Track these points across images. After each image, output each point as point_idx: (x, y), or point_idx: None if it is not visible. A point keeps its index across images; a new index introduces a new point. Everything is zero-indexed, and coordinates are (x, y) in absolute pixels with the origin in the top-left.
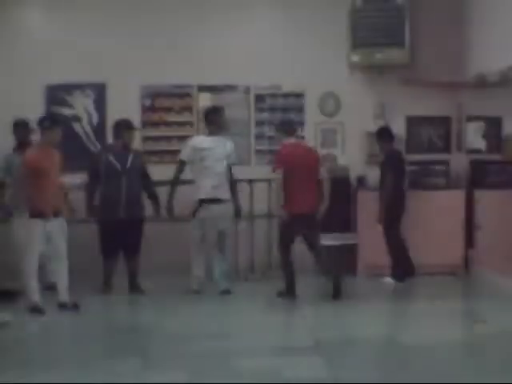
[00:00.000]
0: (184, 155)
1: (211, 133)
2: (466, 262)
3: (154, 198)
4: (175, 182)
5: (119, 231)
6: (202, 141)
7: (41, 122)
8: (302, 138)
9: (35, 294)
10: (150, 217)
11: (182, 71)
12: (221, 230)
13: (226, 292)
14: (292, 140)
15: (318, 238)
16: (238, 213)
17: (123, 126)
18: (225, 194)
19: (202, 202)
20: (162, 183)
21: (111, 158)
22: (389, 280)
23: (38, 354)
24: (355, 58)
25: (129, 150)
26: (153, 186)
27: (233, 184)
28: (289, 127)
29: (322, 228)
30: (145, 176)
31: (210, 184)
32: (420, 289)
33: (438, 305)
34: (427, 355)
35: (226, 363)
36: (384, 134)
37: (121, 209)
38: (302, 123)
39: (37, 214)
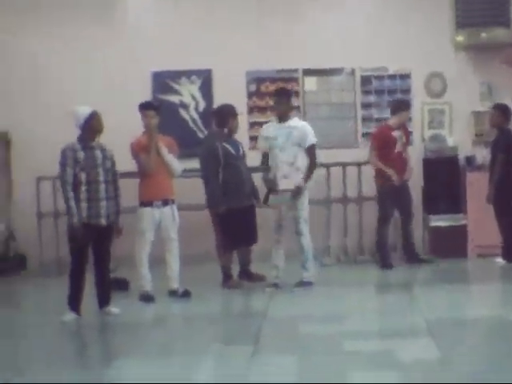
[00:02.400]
0: (261, 145)
1: (278, 118)
2: None
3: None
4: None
5: (237, 221)
6: (268, 129)
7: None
8: None
9: (146, 282)
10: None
11: (286, 56)
12: (292, 217)
13: (299, 284)
14: None
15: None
16: (294, 192)
17: (228, 113)
18: (292, 183)
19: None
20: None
21: (227, 144)
22: (500, 260)
23: (149, 341)
24: (460, 37)
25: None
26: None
27: (309, 167)
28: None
29: (431, 209)
30: None
31: (280, 175)
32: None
33: None
34: None
35: (336, 346)
36: (506, 110)
37: (244, 196)
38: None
39: (146, 202)
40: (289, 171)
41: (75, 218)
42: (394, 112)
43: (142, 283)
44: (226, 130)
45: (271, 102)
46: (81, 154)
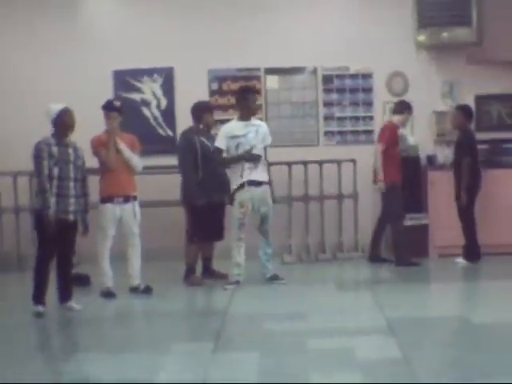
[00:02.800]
0: (220, 144)
1: (242, 117)
2: None
3: None
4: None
5: (210, 215)
6: (233, 128)
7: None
8: None
9: (108, 279)
10: None
11: (248, 54)
12: (262, 213)
13: (274, 278)
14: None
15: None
16: (273, 198)
17: (203, 109)
18: (263, 176)
19: (242, 185)
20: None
21: (204, 139)
22: (461, 261)
23: (109, 337)
24: (422, 37)
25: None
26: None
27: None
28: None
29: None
30: None
31: (247, 167)
32: (492, 268)
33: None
34: (500, 334)
35: (299, 344)
36: (467, 111)
37: (219, 191)
38: (370, 103)
39: (107, 198)
40: (261, 168)
41: (50, 210)
42: (399, 111)
43: (103, 280)
44: (201, 126)
45: (233, 101)
46: (55, 149)
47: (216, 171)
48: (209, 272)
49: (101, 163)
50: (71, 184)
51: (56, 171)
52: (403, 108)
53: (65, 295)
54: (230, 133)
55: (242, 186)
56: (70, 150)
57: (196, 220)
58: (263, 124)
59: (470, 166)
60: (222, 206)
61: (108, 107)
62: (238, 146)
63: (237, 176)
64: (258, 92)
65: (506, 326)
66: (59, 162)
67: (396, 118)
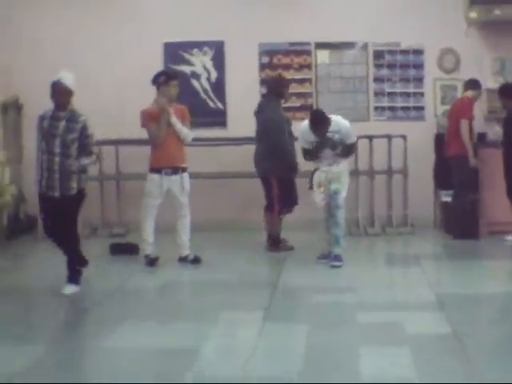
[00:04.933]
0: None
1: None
2: None
3: None
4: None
5: (293, 186)
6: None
7: (155, 78)
8: None
9: (147, 246)
10: None
11: (299, 29)
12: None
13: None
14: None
15: None
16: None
17: (286, 84)
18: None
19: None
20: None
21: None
22: (510, 238)
23: (157, 306)
24: (473, 14)
25: None
26: None
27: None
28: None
29: (443, 185)
30: None
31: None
32: None
33: None
34: None
35: (347, 317)
36: (506, 91)
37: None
38: (420, 80)
39: (154, 169)
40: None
41: (38, 186)
42: (473, 87)
43: (143, 247)
44: (282, 101)
45: (284, 75)
46: (45, 123)
47: (292, 145)
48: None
49: (150, 137)
50: (56, 159)
51: (43, 145)
52: (477, 84)
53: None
54: (307, 138)
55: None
56: (62, 124)
57: (287, 191)
58: (342, 126)
59: None
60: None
61: (168, 74)
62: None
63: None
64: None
65: None
66: (46, 136)
67: (470, 94)
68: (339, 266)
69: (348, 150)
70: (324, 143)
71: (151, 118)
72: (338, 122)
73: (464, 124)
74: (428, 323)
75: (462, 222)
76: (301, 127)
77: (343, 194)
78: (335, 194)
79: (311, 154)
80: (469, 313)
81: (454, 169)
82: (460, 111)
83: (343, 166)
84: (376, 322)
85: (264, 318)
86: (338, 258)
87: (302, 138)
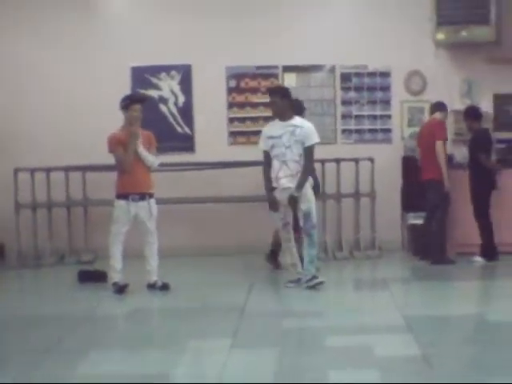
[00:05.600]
0: (261, 145)
1: (279, 117)
2: None
3: None
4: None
5: None
6: (271, 128)
7: (120, 102)
8: None
9: (115, 273)
10: None
11: (266, 52)
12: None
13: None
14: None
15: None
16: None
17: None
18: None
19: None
20: (247, 164)
21: None
22: (478, 259)
23: (125, 334)
24: (441, 35)
25: None
26: None
27: (304, 169)
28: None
29: (410, 207)
30: None
31: (282, 173)
32: (509, 267)
33: None
34: None
35: (316, 341)
36: (472, 113)
37: None
38: (388, 102)
39: (121, 195)
40: (296, 168)
41: None
42: (440, 109)
43: (112, 274)
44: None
45: (250, 98)
46: None
47: None
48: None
49: (118, 162)
50: None
51: None
52: (444, 106)
53: None
54: (268, 133)
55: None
56: None
57: None
58: (306, 124)
59: (483, 164)
60: None
61: (132, 99)
62: (273, 147)
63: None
64: (285, 92)
65: None
66: None
67: (438, 115)
68: (322, 283)
69: (306, 156)
70: (284, 137)
71: (119, 144)
72: (302, 120)
73: (439, 145)
74: (397, 346)
75: (437, 246)
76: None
77: (314, 212)
78: (308, 214)
79: (269, 158)
80: (437, 334)
81: (429, 192)
82: (433, 133)
83: (307, 184)
84: (345, 345)
85: (232, 345)
86: (316, 277)
87: (264, 138)
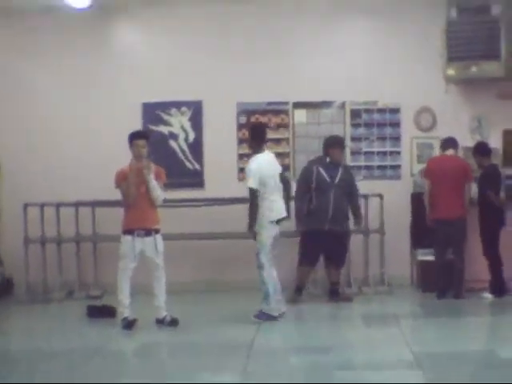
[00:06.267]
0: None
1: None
2: None
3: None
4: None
5: (319, 242)
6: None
7: (128, 138)
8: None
9: (124, 309)
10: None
11: (277, 88)
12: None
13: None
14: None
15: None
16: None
17: (328, 144)
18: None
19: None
20: None
21: (323, 171)
22: (487, 295)
23: (133, 369)
24: (451, 71)
25: (338, 164)
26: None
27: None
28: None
29: (419, 243)
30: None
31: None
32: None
33: None
34: None
35: (325, 377)
36: (481, 149)
37: (325, 221)
38: (397, 138)
39: (127, 231)
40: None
41: None
42: (453, 146)
43: (120, 310)
44: (328, 159)
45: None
46: None
47: (326, 202)
48: (334, 293)
49: (122, 196)
50: None
51: None
52: (456, 143)
53: None
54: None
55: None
56: None
57: (303, 245)
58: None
59: (492, 201)
60: (333, 234)
61: (135, 135)
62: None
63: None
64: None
65: None
66: None
67: (452, 152)
68: (258, 322)
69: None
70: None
71: (125, 179)
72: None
73: (471, 187)
74: (406, 382)
75: (462, 282)
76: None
77: (262, 252)
78: (257, 254)
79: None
80: (447, 371)
81: (457, 231)
82: (465, 174)
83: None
84: (354, 381)
85: (241, 381)
86: (260, 313)
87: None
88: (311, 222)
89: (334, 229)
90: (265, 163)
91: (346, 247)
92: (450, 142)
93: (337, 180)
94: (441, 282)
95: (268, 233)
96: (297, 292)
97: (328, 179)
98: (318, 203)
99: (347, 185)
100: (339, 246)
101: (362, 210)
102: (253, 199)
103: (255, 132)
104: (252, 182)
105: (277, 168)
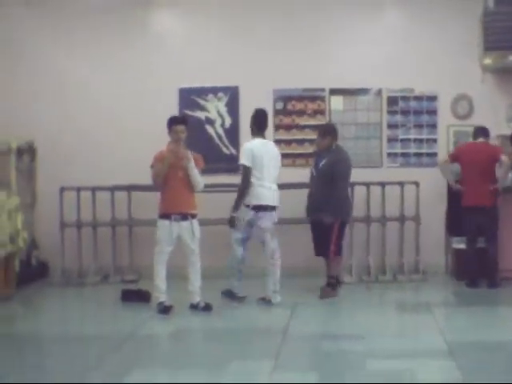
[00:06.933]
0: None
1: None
2: None
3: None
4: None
5: (314, 232)
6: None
7: (167, 123)
8: None
9: (160, 293)
10: None
11: (314, 74)
12: None
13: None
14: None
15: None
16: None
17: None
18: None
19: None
20: (293, 186)
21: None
22: None
23: (167, 354)
24: (488, 60)
25: (324, 152)
26: None
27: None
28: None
29: (454, 231)
30: None
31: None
32: None
33: None
34: None
35: (357, 364)
36: None
37: (315, 211)
38: (434, 126)
39: (164, 215)
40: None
41: None
42: (484, 135)
43: (156, 294)
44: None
45: (298, 121)
46: None
47: (312, 191)
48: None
49: (152, 176)
50: None
51: None
52: (487, 131)
53: None
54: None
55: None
56: None
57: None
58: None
59: None
60: (315, 223)
61: (175, 120)
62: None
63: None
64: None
65: None
66: None
67: (483, 140)
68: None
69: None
70: None
71: (162, 160)
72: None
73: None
74: (439, 371)
75: (497, 271)
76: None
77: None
78: None
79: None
80: (480, 361)
81: (488, 218)
82: (495, 161)
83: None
84: (386, 369)
85: (274, 367)
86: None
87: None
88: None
89: (313, 218)
90: (259, 148)
91: (328, 237)
92: (481, 131)
93: (319, 168)
94: (471, 271)
95: (240, 214)
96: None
97: (313, 168)
98: (308, 192)
99: (329, 173)
100: (321, 237)
101: (398, 198)
102: (244, 176)
103: (255, 117)
104: (245, 160)
105: (273, 157)
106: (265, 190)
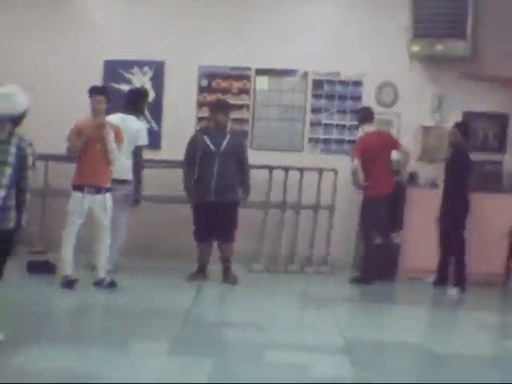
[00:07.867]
0: None
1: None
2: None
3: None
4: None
5: (205, 215)
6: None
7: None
8: None
9: (66, 266)
10: None
11: (240, 53)
12: None
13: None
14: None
15: None
16: (135, 199)
17: (213, 108)
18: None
19: None
20: None
21: (207, 139)
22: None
23: (64, 329)
24: (415, 47)
25: (224, 131)
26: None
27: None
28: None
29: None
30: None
31: None
32: (472, 298)
33: (477, 316)
34: (457, 367)
35: (254, 355)
36: (465, 129)
37: (210, 192)
38: (357, 112)
39: (77, 186)
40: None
41: None
42: (370, 120)
43: (62, 267)
44: (212, 124)
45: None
46: None
47: (210, 171)
48: (225, 273)
49: (67, 148)
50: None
51: None
52: (372, 116)
53: None
54: None
55: None
56: (11, 149)
57: (194, 219)
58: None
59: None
60: (223, 206)
61: (93, 90)
62: None
63: None
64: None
65: (466, 358)
66: None
67: (372, 128)
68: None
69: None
70: None
71: (79, 134)
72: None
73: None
74: (332, 367)
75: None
76: None
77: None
78: None
79: None
80: (374, 359)
81: (386, 207)
82: (392, 143)
83: None
84: (281, 362)
85: (171, 350)
86: None
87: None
88: (196, 193)
89: (217, 201)
90: (118, 122)
91: (232, 220)
92: (370, 115)
93: (222, 148)
94: (367, 267)
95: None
96: (199, 270)
97: (212, 147)
98: (202, 173)
99: (234, 153)
100: (225, 219)
101: (315, 185)
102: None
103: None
104: None
105: (130, 134)
106: (118, 166)
